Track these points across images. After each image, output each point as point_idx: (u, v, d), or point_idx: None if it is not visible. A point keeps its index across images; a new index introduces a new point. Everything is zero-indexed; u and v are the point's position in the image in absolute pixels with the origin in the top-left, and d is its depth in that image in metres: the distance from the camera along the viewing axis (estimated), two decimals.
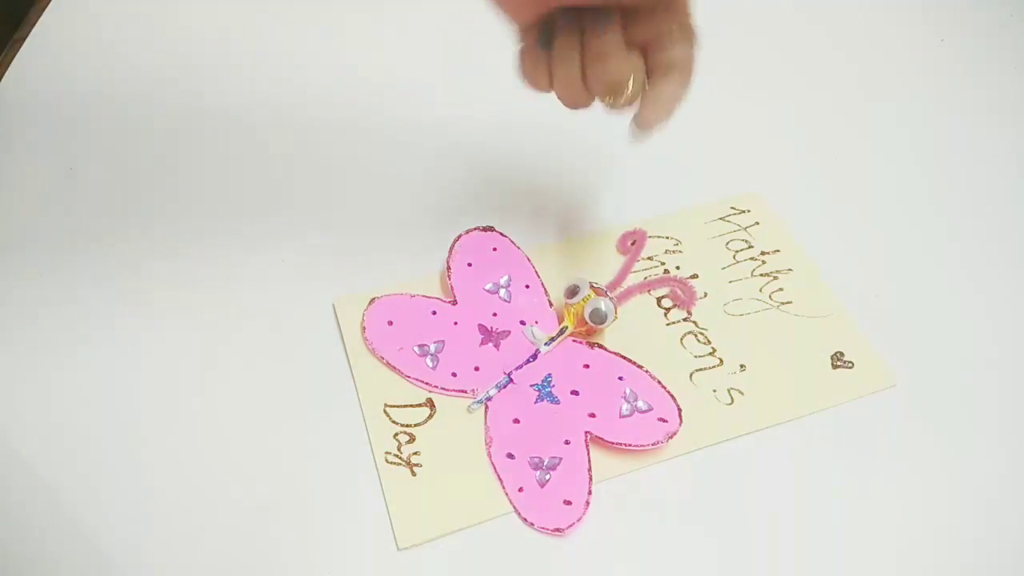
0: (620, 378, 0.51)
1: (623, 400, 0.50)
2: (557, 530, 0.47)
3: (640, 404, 0.50)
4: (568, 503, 0.47)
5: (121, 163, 0.63)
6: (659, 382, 0.51)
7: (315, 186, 0.61)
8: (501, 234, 0.57)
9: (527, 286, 0.55)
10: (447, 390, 0.51)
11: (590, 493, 0.48)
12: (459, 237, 0.56)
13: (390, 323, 0.53)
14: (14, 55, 0.69)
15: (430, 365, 0.52)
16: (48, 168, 0.63)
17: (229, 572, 0.45)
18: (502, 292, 0.55)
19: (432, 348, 0.52)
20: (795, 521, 0.47)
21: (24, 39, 0.71)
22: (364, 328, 0.53)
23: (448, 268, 0.55)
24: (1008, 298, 0.56)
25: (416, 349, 0.52)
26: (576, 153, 0.63)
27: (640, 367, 0.52)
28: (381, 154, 0.63)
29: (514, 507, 0.47)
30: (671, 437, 0.49)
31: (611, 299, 0.52)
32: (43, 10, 0.73)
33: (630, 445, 0.49)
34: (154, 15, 0.73)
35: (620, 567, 0.46)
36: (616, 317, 0.52)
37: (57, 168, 0.63)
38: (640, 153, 0.63)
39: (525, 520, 0.47)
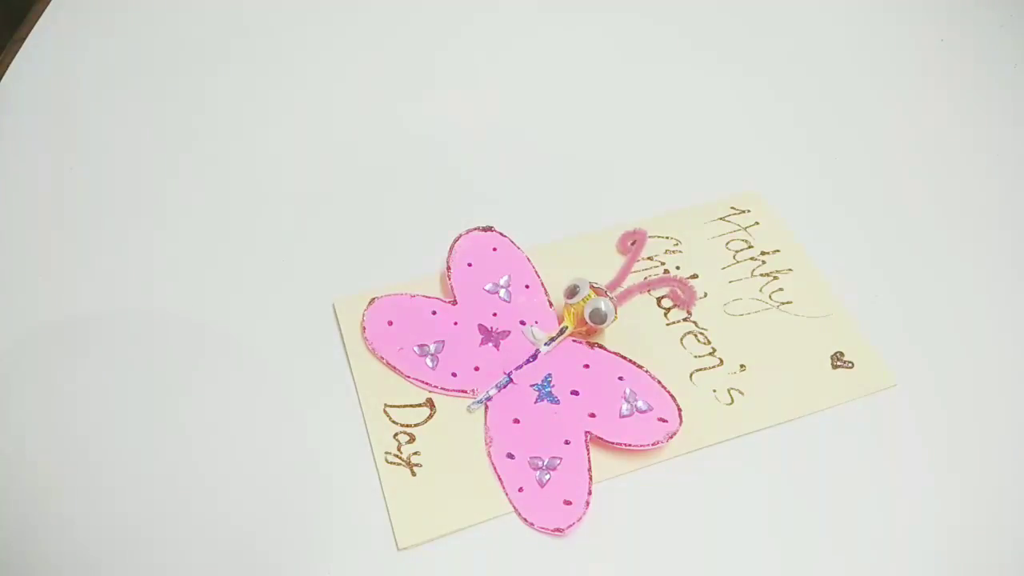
0: (620, 378, 0.51)
1: (623, 400, 0.50)
2: (557, 530, 0.47)
3: (640, 404, 0.50)
4: (568, 503, 0.47)
5: (121, 163, 0.63)
6: (659, 382, 0.51)
7: (314, 186, 0.61)
8: (501, 234, 0.56)
9: (527, 286, 0.55)
10: (447, 390, 0.51)
11: (590, 493, 0.48)
12: (459, 237, 0.56)
13: (390, 323, 0.53)
14: (14, 55, 0.69)
15: (430, 365, 0.52)
16: (48, 168, 0.63)
17: (228, 572, 0.45)
18: (502, 292, 0.55)
19: (432, 348, 0.52)
20: (795, 521, 0.47)
21: (24, 39, 0.71)
22: (364, 328, 0.53)
23: (448, 268, 0.55)
24: (1009, 298, 0.56)
25: (416, 349, 0.52)
26: (577, 152, 0.63)
27: (640, 367, 0.51)
28: (381, 153, 0.63)
29: (514, 507, 0.47)
30: (671, 437, 0.49)
31: (611, 299, 0.52)
32: (43, 10, 0.73)
33: (630, 445, 0.49)
34: (154, 15, 0.73)
35: (620, 567, 0.46)
36: (616, 317, 0.52)
37: (57, 168, 0.63)
38: (641, 153, 0.63)
39: (525, 520, 0.47)
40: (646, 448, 0.48)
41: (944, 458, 0.49)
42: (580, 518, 0.47)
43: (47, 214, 0.60)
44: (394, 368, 0.52)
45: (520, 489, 0.48)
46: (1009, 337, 0.54)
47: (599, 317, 0.51)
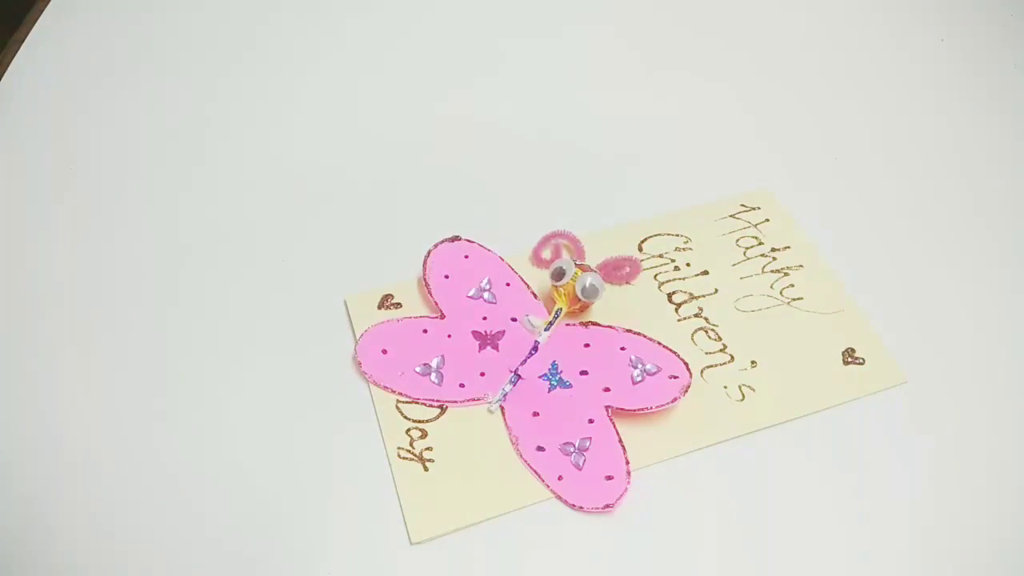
0: (622, 348, 0.52)
1: (631, 367, 0.51)
2: (607, 507, 0.47)
3: (649, 367, 0.51)
4: (610, 478, 0.48)
5: (121, 163, 0.63)
6: (659, 343, 0.52)
7: (321, 186, 0.61)
8: (469, 241, 0.57)
9: (508, 284, 0.55)
10: (458, 402, 0.51)
11: (628, 463, 0.48)
12: (429, 253, 0.56)
13: (384, 351, 0.52)
14: (14, 55, 0.69)
15: (435, 381, 0.51)
16: (48, 168, 0.62)
17: (241, 566, 0.45)
18: (486, 295, 0.55)
19: (434, 364, 0.52)
20: (806, 518, 0.47)
21: (24, 39, 0.70)
22: (360, 363, 0.52)
23: (427, 285, 0.55)
24: (1019, 295, 0.56)
25: (418, 369, 0.52)
26: (588, 150, 0.64)
27: (638, 334, 0.52)
28: (392, 151, 0.64)
29: (558, 496, 0.47)
30: (686, 390, 0.50)
31: (597, 273, 0.53)
32: (43, 11, 0.72)
33: (650, 408, 0.49)
34: (154, 15, 0.73)
35: (629, 564, 0.46)
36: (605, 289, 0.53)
37: (57, 168, 0.62)
38: (651, 151, 0.63)
39: (573, 506, 0.47)
40: (666, 407, 0.49)
41: (955, 455, 0.49)
42: (626, 489, 0.47)
43: (47, 214, 0.60)
44: (400, 394, 0.51)
45: (560, 478, 0.48)
46: (1020, 334, 0.54)
47: (592, 291, 0.52)
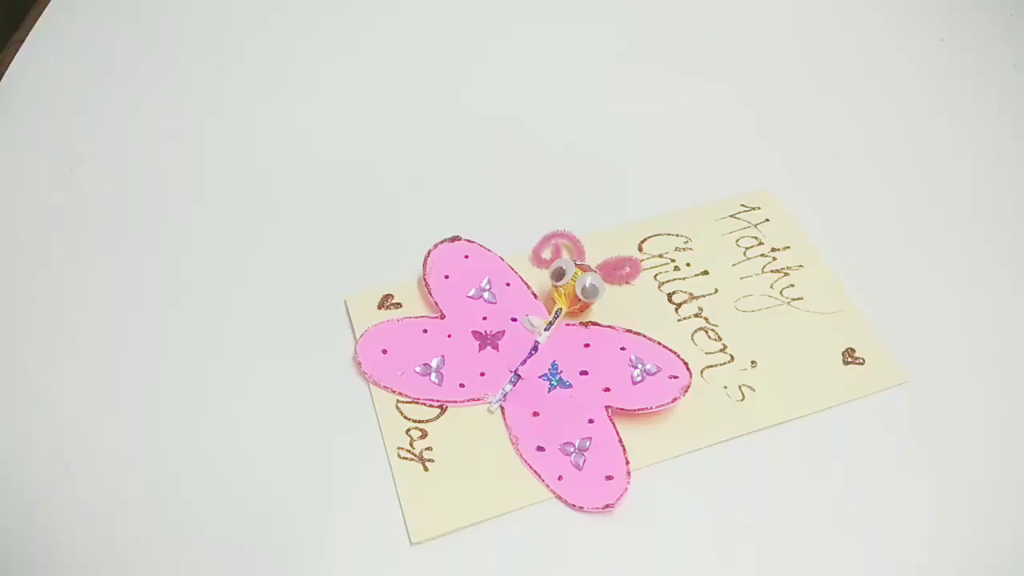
0: (622, 348, 0.52)
1: (631, 367, 0.51)
2: (607, 507, 0.47)
3: (649, 367, 0.51)
4: (610, 478, 0.48)
5: (121, 163, 0.63)
6: (659, 343, 0.52)
7: (319, 186, 0.61)
8: (469, 241, 0.57)
9: (508, 284, 0.55)
10: (458, 402, 0.51)
11: (628, 463, 0.48)
12: (429, 253, 0.56)
13: (384, 352, 0.52)
14: (14, 55, 0.69)
15: (435, 381, 0.51)
16: (48, 168, 0.62)
17: (241, 566, 0.45)
18: (486, 295, 0.55)
19: (435, 364, 0.52)
20: (806, 518, 0.47)
21: (24, 40, 0.70)
22: (360, 363, 0.52)
23: (427, 285, 0.55)
24: (1019, 295, 0.56)
25: (418, 369, 0.52)
26: (588, 151, 0.64)
27: (638, 334, 0.53)
28: (393, 152, 0.64)
29: (558, 496, 0.47)
30: (686, 391, 0.50)
31: (597, 273, 0.53)
32: (43, 11, 0.72)
33: (650, 408, 0.49)
34: (153, 15, 0.73)
35: (629, 564, 0.46)
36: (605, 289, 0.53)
37: (57, 168, 0.62)
38: (652, 151, 0.63)
39: (573, 506, 0.47)
40: (666, 407, 0.49)
41: (955, 455, 0.49)
42: (626, 489, 0.47)
43: (47, 214, 0.59)
44: (400, 393, 0.51)
45: (560, 478, 0.48)
46: (1019, 334, 0.54)
47: (592, 291, 0.52)
